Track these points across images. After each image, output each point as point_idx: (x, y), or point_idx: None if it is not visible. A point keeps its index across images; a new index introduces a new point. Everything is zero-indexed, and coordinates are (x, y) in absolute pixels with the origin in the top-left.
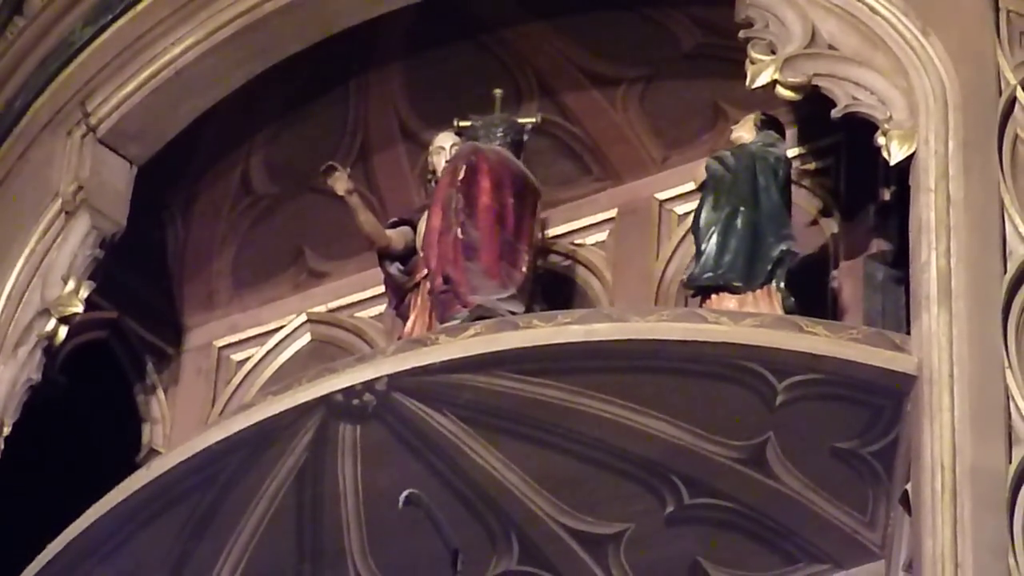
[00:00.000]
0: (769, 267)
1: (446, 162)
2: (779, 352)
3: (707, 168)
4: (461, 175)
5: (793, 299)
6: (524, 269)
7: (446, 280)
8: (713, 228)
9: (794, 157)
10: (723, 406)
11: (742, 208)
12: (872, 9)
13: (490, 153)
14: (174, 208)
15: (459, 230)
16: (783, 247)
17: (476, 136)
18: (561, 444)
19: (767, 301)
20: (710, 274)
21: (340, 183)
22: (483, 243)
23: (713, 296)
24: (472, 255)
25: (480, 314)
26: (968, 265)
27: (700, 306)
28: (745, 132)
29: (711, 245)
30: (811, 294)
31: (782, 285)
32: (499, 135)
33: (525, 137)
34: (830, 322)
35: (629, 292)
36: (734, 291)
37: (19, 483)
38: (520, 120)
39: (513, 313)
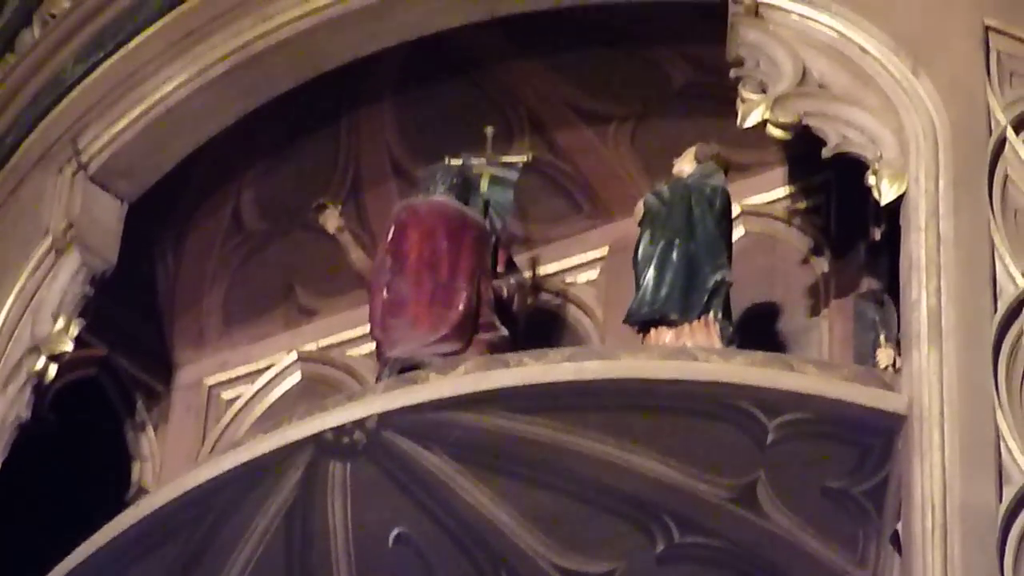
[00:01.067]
0: (705, 298)
1: None
2: (769, 391)
3: (644, 203)
4: (390, 236)
5: (732, 328)
6: (461, 307)
7: (377, 343)
8: (650, 262)
9: (785, 196)
10: (714, 445)
11: (677, 240)
12: (862, 49)
13: (421, 205)
14: (165, 245)
15: (385, 291)
16: (718, 277)
17: (424, 187)
18: (551, 482)
19: (704, 332)
20: (647, 308)
21: (331, 220)
22: (411, 296)
23: (652, 330)
24: (398, 311)
25: (400, 366)
26: (958, 304)
27: (641, 341)
28: (686, 165)
29: (648, 279)
30: (802, 332)
31: (719, 315)
32: (440, 182)
33: (515, 175)
34: (820, 360)
35: (620, 330)
36: (671, 324)
37: (8, 521)
38: (472, 161)
39: (445, 354)
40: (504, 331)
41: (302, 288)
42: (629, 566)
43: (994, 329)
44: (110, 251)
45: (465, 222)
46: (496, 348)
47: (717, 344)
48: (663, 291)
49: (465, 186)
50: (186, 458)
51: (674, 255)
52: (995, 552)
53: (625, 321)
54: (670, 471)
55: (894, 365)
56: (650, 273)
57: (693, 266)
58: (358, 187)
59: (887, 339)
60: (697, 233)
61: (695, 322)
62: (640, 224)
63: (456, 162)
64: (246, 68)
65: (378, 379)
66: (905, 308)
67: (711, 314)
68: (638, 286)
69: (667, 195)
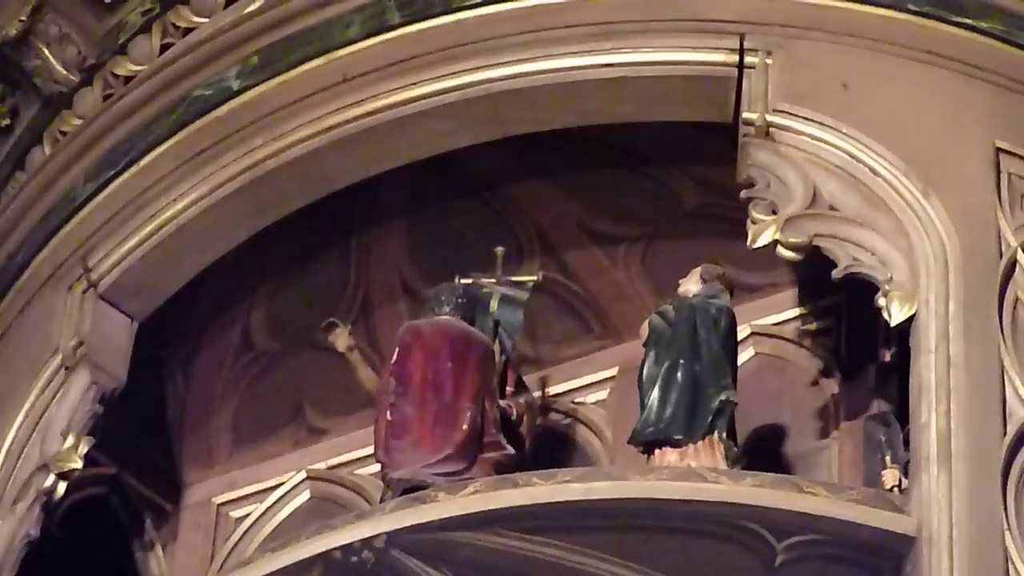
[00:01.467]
0: (710, 418)
1: None
2: (778, 512)
3: (649, 323)
4: (394, 358)
5: (737, 448)
6: (466, 427)
7: (381, 465)
8: (654, 382)
9: (795, 318)
10: (723, 566)
11: (681, 360)
12: (873, 171)
13: (425, 326)
14: (174, 363)
15: (389, 413)
16: (723, 397)
17: (429, 307)
18: None
19: (709, 452)
20: (651, 429)
21: (341, 340)
22: (415, 417)
23: (656, 451)
24: (401, 433)
25: (403, 487)
26: (968, 427)
27: (647, 461)
28: (692, 285)
29: (653, 399)
30: (811, 454)
31: (724, 435)
32: (445, 302)
33: (525, 295)
34: (829, 483)
35: (629, 451)
36: (676, 444)
37: None
38: (477, 281)
39: (448, 475)
40: (510, 450)
41: (311, 407)
42: None
43: (1003, 453)
44: (120, 369)
45: (470, 341)
46: (502, 467)
47: (722, 464)
48: (667, 412)
49: (471, 305)
50: None
51: (679, 375)
52: None
53: (629, 441)
54: None
55: (900, 486)
56: (655, 393)
57: (698, 386)
58: (368, 306)
59: (893, 460)
60: (702, 353)
61: (700, 442)
62: (645, 344)
63: (464, 281)
64: (257, 187)
65: (382, 501)
66: (915, 431)
67: (716, 434)
68: (643, 406)
69: (672, 315)
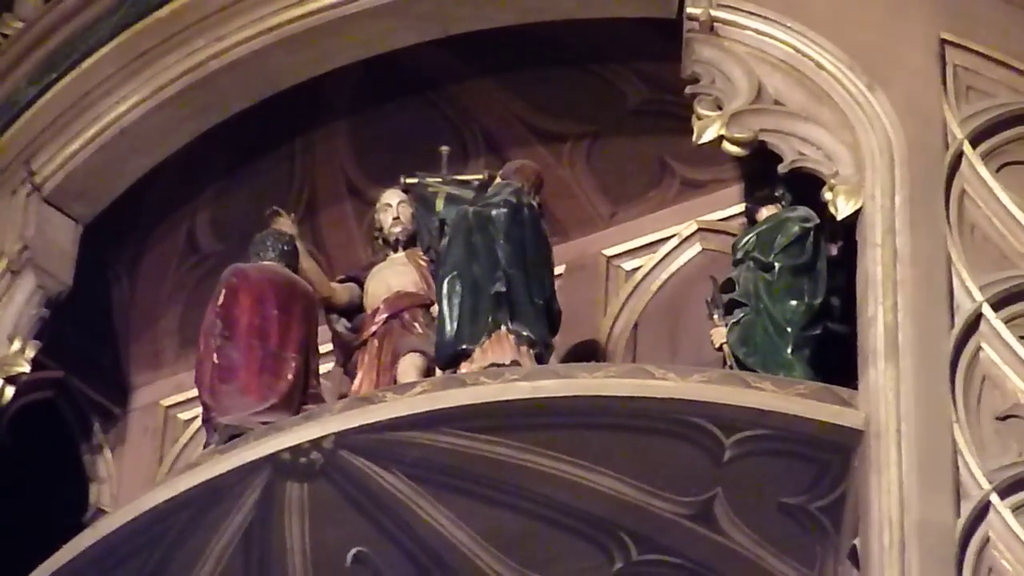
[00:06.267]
0: (489, 316)
1: None
2: (726, 408)
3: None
4: (220, 300)
5: (528, 333)
6: (291, 376)
7: (205, 407)
8: (442, 300)
9: (741, 213)
10: (671, 462)
11: (455, 272)
12: (818, 65)
13: (252, 271)
14: (120, 267)
15: (215, 355)
16: (492, 291)
17: (255, 252)
18: (509, 501)
19: (499, 347)
20: (445, 348)
21: (283, 227)
22: (241, 362)
23: (459, 366)
24: (228, 377)
25: (230, 433)
26: (915, 320)
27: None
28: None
29: (442, 318)
30: None
31: (511, 324)
32: (270, 248)
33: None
34: (777, 377)
35: (577, 348)
36: (469, 354)
37: None
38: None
39: (270, 423)
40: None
41: None
42: None
43: (951, 344)
44: (65, 273)
45: (295, 291)
46: None
47: (511, 355)
48: (453, 327)
49: (294, 253)
50: (144, 479)
51: (457, 286)
52: (953, 568)
53: (436, 365)
54: (627, 489)
55: (728, 343)
56: (444, 311)
57: (477, 290)
58: (314, 207)
59: (719, 318)
60: (480, 257)
61: (488, 341)
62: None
63: (409, 181)
64: (200, 88)
65: (206, 446)
66: (862, 325)
67: (501, 328)
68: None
69: (449, 228)
